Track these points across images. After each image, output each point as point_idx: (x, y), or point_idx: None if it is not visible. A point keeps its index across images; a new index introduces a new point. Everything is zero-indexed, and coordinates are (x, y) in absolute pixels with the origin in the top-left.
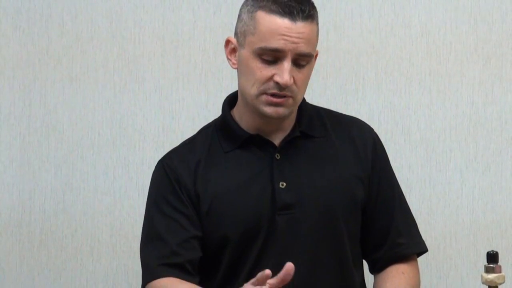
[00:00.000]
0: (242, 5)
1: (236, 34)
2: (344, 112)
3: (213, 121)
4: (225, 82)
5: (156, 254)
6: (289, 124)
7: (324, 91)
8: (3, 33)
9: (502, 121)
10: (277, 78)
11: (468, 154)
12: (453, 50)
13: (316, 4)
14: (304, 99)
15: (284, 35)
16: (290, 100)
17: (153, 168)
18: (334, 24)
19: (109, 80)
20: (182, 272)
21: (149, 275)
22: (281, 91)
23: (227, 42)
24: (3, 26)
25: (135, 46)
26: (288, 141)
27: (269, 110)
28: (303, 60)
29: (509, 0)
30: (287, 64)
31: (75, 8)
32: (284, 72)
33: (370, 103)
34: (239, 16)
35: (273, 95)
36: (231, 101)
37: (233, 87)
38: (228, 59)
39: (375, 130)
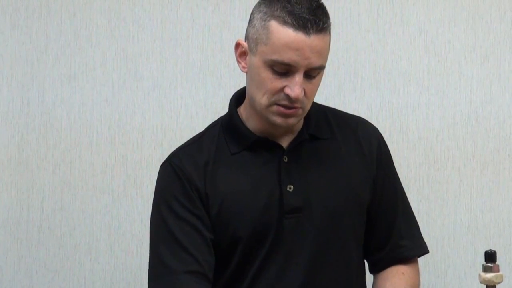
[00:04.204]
0: (255, 10)
1: (247, 38)
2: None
3: (219, 119)
4: (223, 80)
5: (178, 260)
6: (297, 126)
7: (322, 89)
8: (1, 31)
9: (500, 120)
10: (288, 91)
11: (466, 153)
12: (451, 48)
13: None
14: None
15: (297, 49)
16: (300, 111)
17: (151, 167)
18: (332, 23)
19: (108, 79)
20: (204, 280)
21: (174, 282)
22: (292, 103)
23: (237, 45)
24: (2, 25)
25: (133, 45)
26: (296, 144)
27: (278, 120)
28: (314, 72)
29: None
30: (298, 78)
31: (74, 7)
32: (295, 86)
33: (368, 101)
34: (251, 20)
35: (283, 106)
36: (238, 98)
37: (232, 86)
38: (238, 62)
39: None
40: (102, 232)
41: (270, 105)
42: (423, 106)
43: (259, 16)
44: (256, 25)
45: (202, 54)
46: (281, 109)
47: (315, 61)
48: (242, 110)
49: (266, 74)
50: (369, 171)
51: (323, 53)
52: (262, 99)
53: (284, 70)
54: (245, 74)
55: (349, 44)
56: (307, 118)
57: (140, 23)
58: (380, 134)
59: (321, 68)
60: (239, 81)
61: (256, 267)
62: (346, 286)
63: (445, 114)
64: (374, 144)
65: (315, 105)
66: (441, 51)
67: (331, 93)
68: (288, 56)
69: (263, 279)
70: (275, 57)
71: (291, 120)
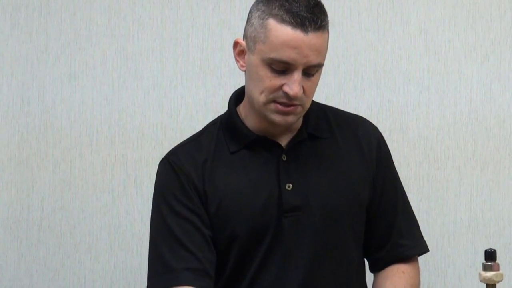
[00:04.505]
0: (253, 8)
1: (245, 36)
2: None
3: (218, 117)
4: (223, 79)
5: (178, 258)
6: (296, 125)
7: (322, 89)
8: (1, 30)
9: (500, 119)
10: (286, 89)
11: (466, 152)
12: (451, 47)
13: None
14: None
15: (295, 48)
16: (299, 108)
17: (151, 166)
18: (332, 22)
19: (108, 78)
20: (204, 277)
21: (173, 279)
22: (290, 101)
23: (235, 43)
24: (2, 24)
25: (133, 44)
26: (295, 143)
27: (277, 118)
28: (313, 70)
29: None
30: (297, 76)
31: (74, 6)
32: (294, 84)
33: (369, 101)
34: (249, 19)
35: (281, 103)
36: (237, 97)
37: (232, 85)
38: (236, 60)
39: None
40: (102, 231)
41: (268, 102)
42: (423, 105)
43: (257, 15)
44: (254, 23)
45: (202, 53)
46: (279, 106)
47: (313, 59)
48: (241, 109)
49: (265, 72)
50: (369, 171)
51: (322, 51)
52: (260, 97)
53: (282, 68)
54: (244, 73)
55: (349, 43)
56: (306, 117)
57: (140, 22)
58: (380, 134)
59: (319, 65)
60: (239, 80)
61: (256, 266)
62: (346, 286)
63: (445, 113)
64: (374, 143)
65: (315, 104)
66: (441, 50)
67: (331, 92)
68: (286, 54)
69: (263, 279)
70: (273, 55)
71: (290, 118)
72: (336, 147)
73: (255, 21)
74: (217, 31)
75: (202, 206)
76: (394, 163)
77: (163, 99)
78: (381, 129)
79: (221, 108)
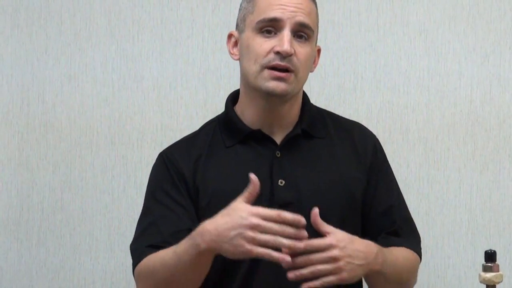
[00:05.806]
0: (242, 0)
1: (237, 26)
2: (342, 111)
3: (216, 117)
4: (223, 80)
5: (146, 240)
6: (291, 121)
7: (322, 89)
8: (1, 31)
9: (500, 120)
10: (277, 48)
11: (466, 152)
12: (451, 48)
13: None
14: (308, 99)
15: (281, 4)
16: (292, 77)
17: (151, 167)
18: (332, 23)
19: (108, 79)
20: None
21: (136, 258)
22: (282, 62)
23: (229, 36)
24: (2, 25)
25: (133, 45)
26: (289, 139)
27: (271, 84)
28: (303, 32)
29: None
30: (286, 33)
31: (74, 7)
32: (283, 40)
33: (368, 101)
34: (239, 10)
35: (274, 68)
36: (234, 97)
37: (231, 86)
38: (230, 53)
39: (374, 129)
40: (102, 232)
41: (261, 69)
42: (423, 106)
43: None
44: (243, 6)
45: (202, 54)
46: (273, 72)
47: (301, 17)
48: (238, 107)
49: (256, 41)
50: (363, 174)
51: (310, 14)
52: (254, 67)
53: (271, 27)
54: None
55: (349, 44)
56: (302, 114)
57: (140, 23)
58: (377, 140)
59: (309, 28)
60: (239, 81)
61: (247, 263)
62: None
63: (445, 114)
64: (370, 148)
65: (314, 107)
66: (441, 51)
67: (331, 93)
68: (273, 12)
69: (256, 276)
70: (261, 17)
71: (283, 85)
72: (331, 147)
73: (243, 4)
74: (217, 32)
75: (191, 202)
76: (394, 164)
77: (163, 100)
78: (380, 130)
79: (221, 109)
